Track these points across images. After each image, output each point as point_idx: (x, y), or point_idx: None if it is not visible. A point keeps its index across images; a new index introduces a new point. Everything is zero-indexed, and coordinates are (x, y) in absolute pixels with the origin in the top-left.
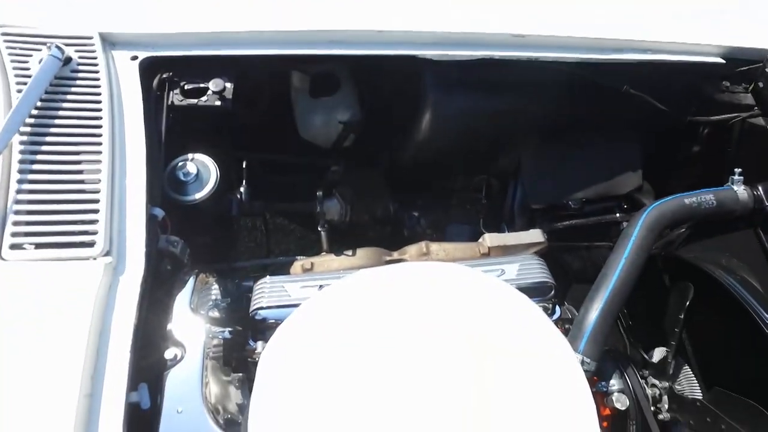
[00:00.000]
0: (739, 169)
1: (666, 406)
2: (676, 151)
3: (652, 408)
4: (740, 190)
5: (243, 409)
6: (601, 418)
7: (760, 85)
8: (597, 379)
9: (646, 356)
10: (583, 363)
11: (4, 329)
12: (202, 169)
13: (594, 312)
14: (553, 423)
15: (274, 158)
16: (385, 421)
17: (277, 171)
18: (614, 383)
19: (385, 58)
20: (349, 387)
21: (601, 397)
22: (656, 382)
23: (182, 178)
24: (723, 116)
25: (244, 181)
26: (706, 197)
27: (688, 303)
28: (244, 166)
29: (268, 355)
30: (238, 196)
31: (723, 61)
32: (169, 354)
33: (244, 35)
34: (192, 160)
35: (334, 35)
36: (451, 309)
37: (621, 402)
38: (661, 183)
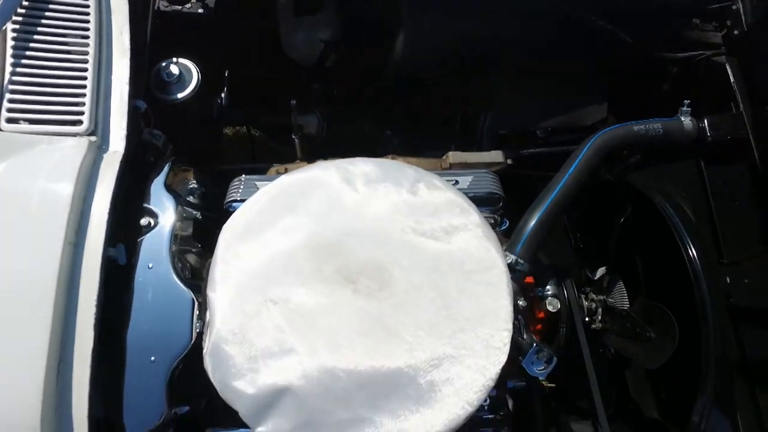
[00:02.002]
0: (688, 101)
1: (599, 318)
2: (645, 89)
3: (587, 319)
4: (686, 121)
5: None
6: (536, 320)
7: (728, 23)
8: (535, 285)
9: (590, 275)
10: (517, 263)
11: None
12: (184, 71)
13: (533, 220)
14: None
15: (257, 73)
16: (311, 289)
17: (261, 88)
18: (549, 289)
19: None
20: (289, 263)
21: (537, 301)
22: (594, 296)
23: (165, 78)
24: (689, 53)
25: (225, 88)
26: (654, 125)
27: (622, 221)
28: (226, 74)
29: (226, 232)
30: (219, 102)
31: None
32: (143, 221)
33: None
34: (175, 62)
35: None
36: (391, 199)
37: (553, 305)
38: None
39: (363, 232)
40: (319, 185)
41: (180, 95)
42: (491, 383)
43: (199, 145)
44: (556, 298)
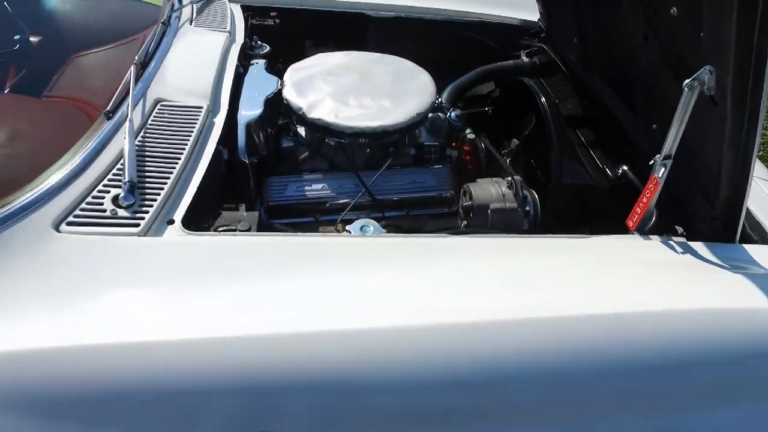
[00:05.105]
0: (524, 51)
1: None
2: None
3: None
4: (524, 59)
5: None
6: (464, 152)
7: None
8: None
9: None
10: (443, 103)
11: None
12: (263, 45)
13: (447, 91)
14: None
15: None
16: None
17: None
18: (468, 131)
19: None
20: (323, 68)
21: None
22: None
23: (254, 45)
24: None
25: (281, 58)
26: (509, 63)
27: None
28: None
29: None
30: (279, 63)
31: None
32: (253, 63)
33: None
34: (258, 40)
35: None
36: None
37: (471, 135)
38: None
39: (359, 62)
40: (337, 54)
41: (261, 52)
42: (428, 106)
43: None
44: (472, 133)
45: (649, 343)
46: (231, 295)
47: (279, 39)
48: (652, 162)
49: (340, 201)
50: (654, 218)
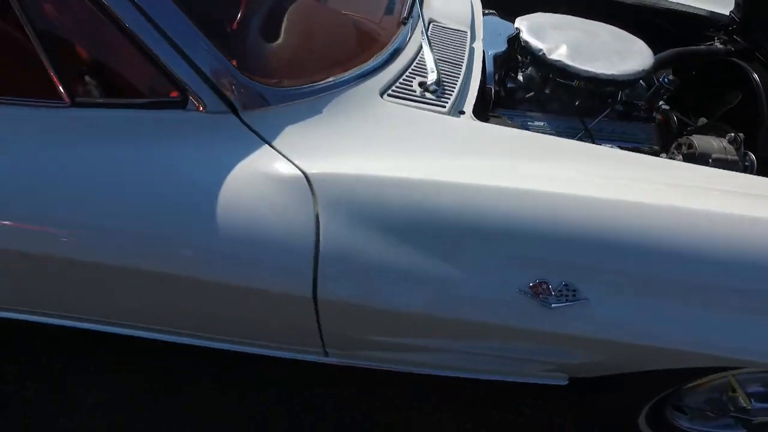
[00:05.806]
0: (718, 39)
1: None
2: None
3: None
4: (717, 45)
5: None
6: (659, 120)
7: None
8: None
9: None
10: (648, 69)
11: None
12: None
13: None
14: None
15: None
16: (567, 29)
17: None
18: (663, 103)
19: None
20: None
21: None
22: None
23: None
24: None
25: None
26: (702, 47)
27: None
28: None
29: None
30: None
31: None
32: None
33: None
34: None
35: None
36: (596, 23)
37: (664, 106)
38: None
39: (578, 23)
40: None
41: None
42: (650, 66)
43: None
44: (666, 106)
45: None
46: (523, 160)
47: None
48: None
49: None
50: None
